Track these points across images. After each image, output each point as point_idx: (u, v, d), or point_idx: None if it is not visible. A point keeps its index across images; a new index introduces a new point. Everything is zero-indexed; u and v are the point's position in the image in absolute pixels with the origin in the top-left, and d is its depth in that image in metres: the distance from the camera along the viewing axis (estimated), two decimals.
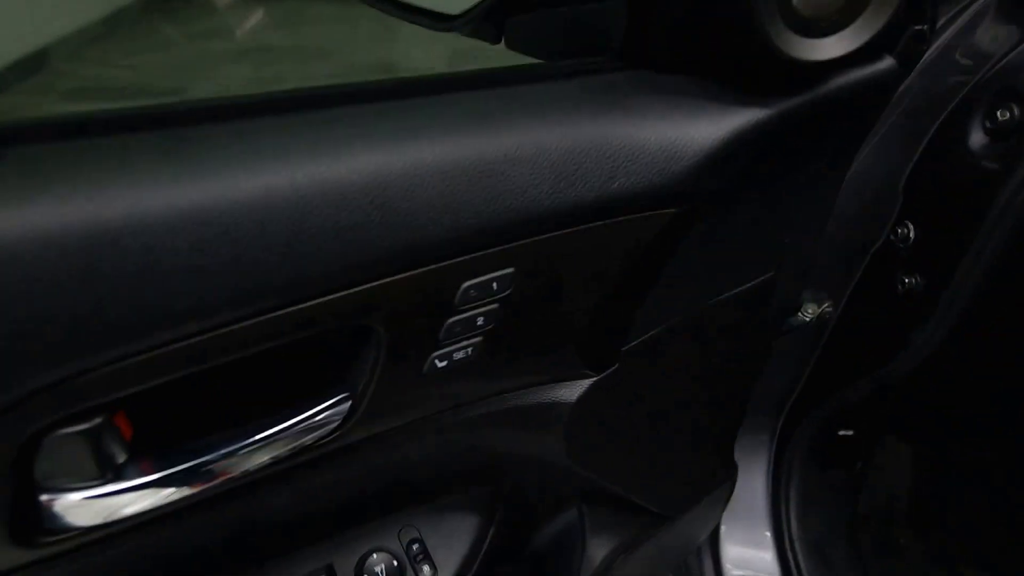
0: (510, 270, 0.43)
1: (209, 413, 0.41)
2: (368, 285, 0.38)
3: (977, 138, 0.74)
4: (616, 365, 0.57)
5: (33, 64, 3.49)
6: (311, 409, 0.42)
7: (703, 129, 0.46)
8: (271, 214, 0.33)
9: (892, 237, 0.83)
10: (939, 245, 0.78)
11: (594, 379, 0.56)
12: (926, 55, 0.74)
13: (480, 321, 0.45)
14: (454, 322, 0.44)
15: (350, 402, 0.43)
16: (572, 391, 0.55)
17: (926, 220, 0.80)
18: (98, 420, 0.35)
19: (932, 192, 0.79)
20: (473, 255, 0.41)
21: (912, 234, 0.81)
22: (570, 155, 0.42)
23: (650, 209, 0.46)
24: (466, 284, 0.42)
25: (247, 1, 4.74)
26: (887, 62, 0.54)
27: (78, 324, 0.30)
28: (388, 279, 0.38)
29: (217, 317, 0.33)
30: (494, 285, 0.44)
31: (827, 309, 0.87)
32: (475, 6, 0.60)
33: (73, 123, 0.33)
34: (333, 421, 0.43)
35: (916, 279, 0.80)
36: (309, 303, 0.36)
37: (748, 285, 0.65)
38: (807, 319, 0.88)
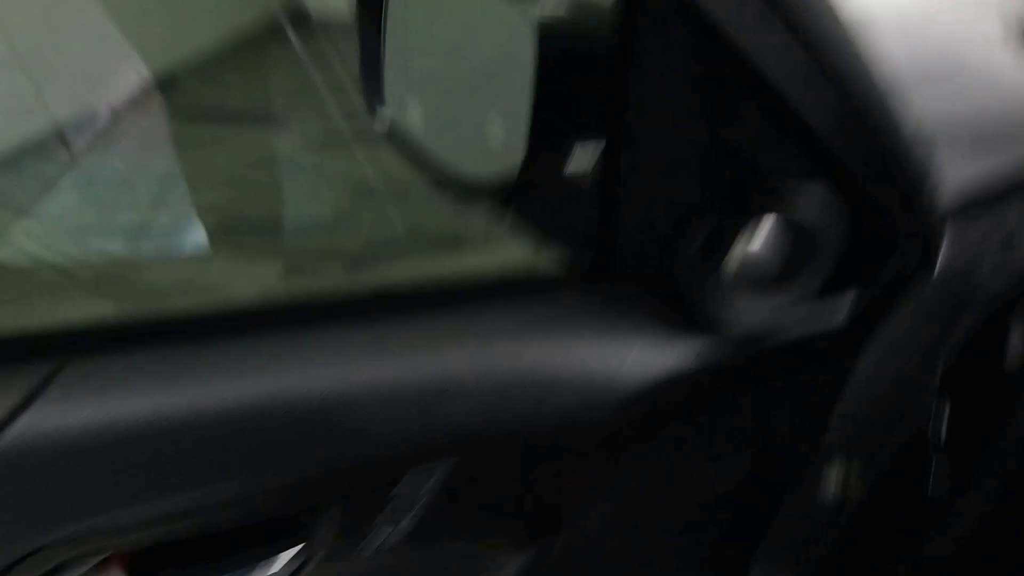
0: (450, 461, 0.49)
1: (191, 554, 0.49)
2: (321, 476, 0.45)
3: (1017, 341, 0.70)
4: (561, 535, 0.59)
5: (165, 83, 3.81)
6: (271, 558, 0.49)
7: (639, 363, 0.48)
8: (240, 425, 0.42)
9: (926, 428, 0.79)
10: (969, 447, 0.74)
11: (536, 548, 0.58)
12: (966, 241, 0.70)
13: (423, 500, 0.50)
14: (398, 500, 0.50)
15: (305, 556, 0.50)
16: (511, 561, 0.59)
17: (958, 419, 0.76)
18: (102, 560, 0.45)
19: (967, 391, 0.76)
20: (414, 452, 0.48)
21: (944, 431, 0.77)
22: (502, 381, 0.47)
23: (580, 428, 0.48)
24: (409, 470, 0.48)
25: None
26: (840, 320, 0.54)
27: (92, 496, 0.41)
28: (340, 473, 0.46)
29: (197, 497, 0.43)
30: (434, 473, 0.49)
31: (852, 488, 0.83)
32: (493, 185, 0.64)
33: (114, 332, 0.45)
34: (289, 569, 0.50)
35: (943, 477, 0.76)
36: (271, 490, 0.45)
37: (725, 480, 0.64)
38: (829, 495, 0.84)
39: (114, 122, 3.07)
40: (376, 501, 0.49)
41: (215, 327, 0.46)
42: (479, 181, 0.65)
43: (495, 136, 0.62)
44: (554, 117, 0.50)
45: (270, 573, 0.49)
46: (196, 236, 2.37)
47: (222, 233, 2.41)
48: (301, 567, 0.50)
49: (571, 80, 0.47)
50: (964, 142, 0.72)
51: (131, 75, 3.31)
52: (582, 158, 0.50)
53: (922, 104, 0.60)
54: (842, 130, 0.47)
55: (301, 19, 4.45)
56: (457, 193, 0.66)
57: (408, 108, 0.74)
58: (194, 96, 3.76)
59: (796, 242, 0.47)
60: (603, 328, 0.49)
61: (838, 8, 0.49)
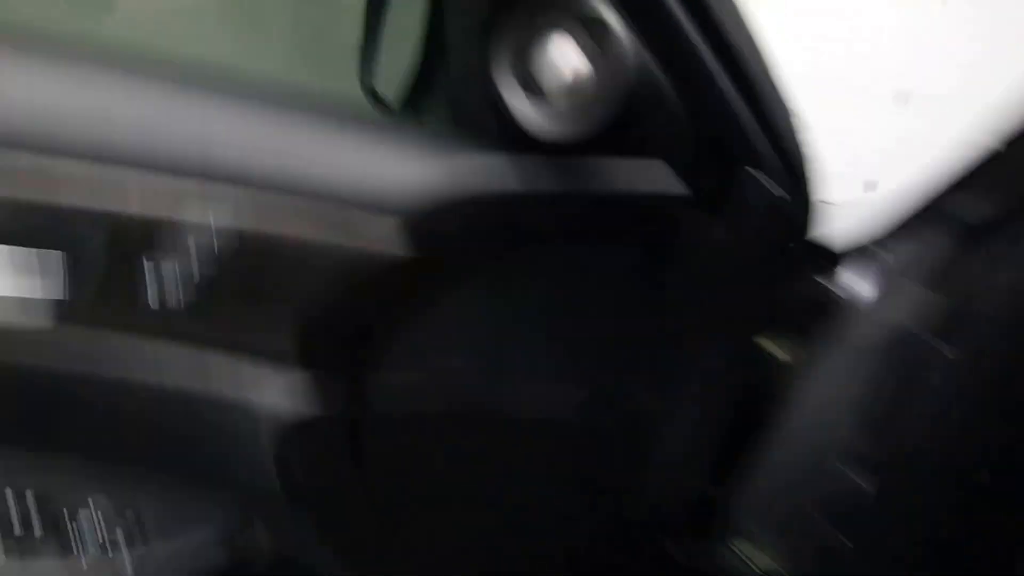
0: (231, 217, 0.48)
1: None
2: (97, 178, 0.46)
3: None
4: (360, 397, 0.55)
5: None
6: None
7: (433, 167, 0.50)
8: None
9: (853, 485, 0.69)
10: (903, 500, 0.66)
11: (319, 395, 0.53)
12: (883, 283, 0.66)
13: (196, 254, 0.48)
14: (171, 243, 0.48)
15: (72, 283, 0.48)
16: (285, 395, 0.53)
17: (888, 472, 0.67)
18: None
19: (895, 442, 0.67)
20: (194, 188, 0.48)
21: (873, 486, 0.67)
22: (296, 133, 0.50)
23: (368, 212, 0.49)
24: (186, 215, 0.47)
25: None
26: (665, 181, 0.53)
27: None
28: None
29: None
30: (214, 225, 0.48)
31: (777, 571, 0.66)
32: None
33: None
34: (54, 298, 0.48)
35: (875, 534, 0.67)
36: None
37: (545, 403, 0.60)
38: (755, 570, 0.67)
39: None
40: (144, 245, 0.48)
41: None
42: None
43: None
44: None
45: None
46: None
47: None
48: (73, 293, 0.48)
49: None
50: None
51: None
52: None
53: None
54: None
55: None
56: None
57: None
58: None
59: (596, 41, 0.46)
60: (408, 141, 0.51)
61: None
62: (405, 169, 0.50)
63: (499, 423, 0.60)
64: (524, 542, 0.67)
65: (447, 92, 0.60)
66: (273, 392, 0.53)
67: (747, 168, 0.55)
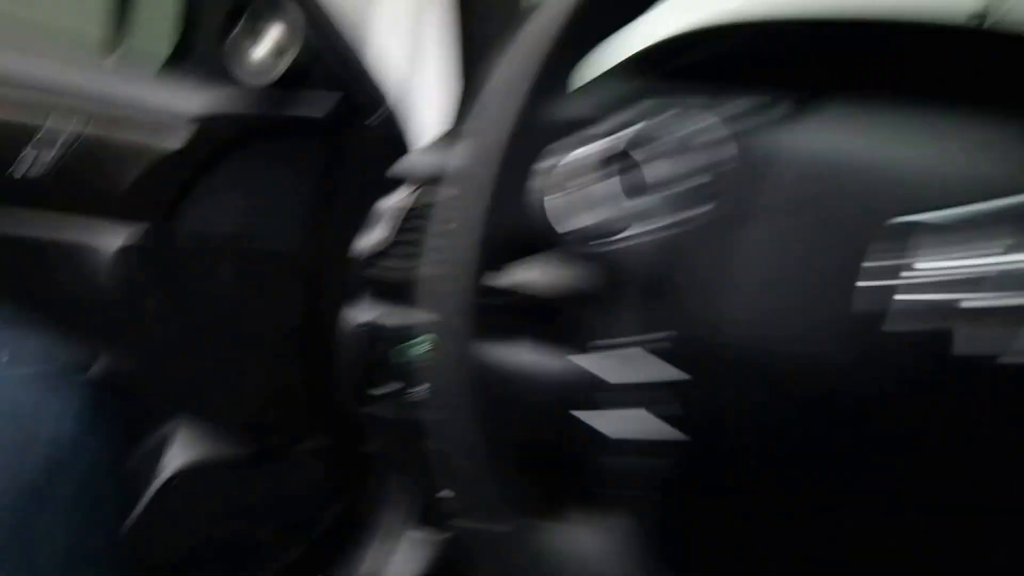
0: (73, 127, 0.81)
1: None
2: None
3: None
4: (170, 239, 0.86)
5: None
6: None
7: (205, 96, 0.88)
8: None
9: None
10: None
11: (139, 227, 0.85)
12: None
13: (55, 151, 0.81)
14: (38, 139, 0.80)
15: None
16: (113, 240, 0.85)
17: None
18: None
19: None
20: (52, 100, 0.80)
21: None
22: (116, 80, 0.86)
23: (164, 123, 0.84)
24: (42, 119, 0.80)
25: None
26: (325, 107, 0.90)
27: None
28: None
29: None
30: (63, 128, 0.81)
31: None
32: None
33: None
34: None
35: None
36: None
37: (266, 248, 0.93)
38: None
39: None
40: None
41: None
42: None
43: None
44: None
45: None
46: None
47: None
48: None
49: None
50: None
51: None
52: None
53: None
54: None
55: None
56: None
57: None
58: None
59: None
60: (189, 82, 0.88)
61: None
62: (188, 96, 0.85)
63: (258, 256, 0.93)
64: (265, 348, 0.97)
65: (197, 61, 0.99)
66: (109, 238, 0.84)
67: (358, 97, 0.91)
